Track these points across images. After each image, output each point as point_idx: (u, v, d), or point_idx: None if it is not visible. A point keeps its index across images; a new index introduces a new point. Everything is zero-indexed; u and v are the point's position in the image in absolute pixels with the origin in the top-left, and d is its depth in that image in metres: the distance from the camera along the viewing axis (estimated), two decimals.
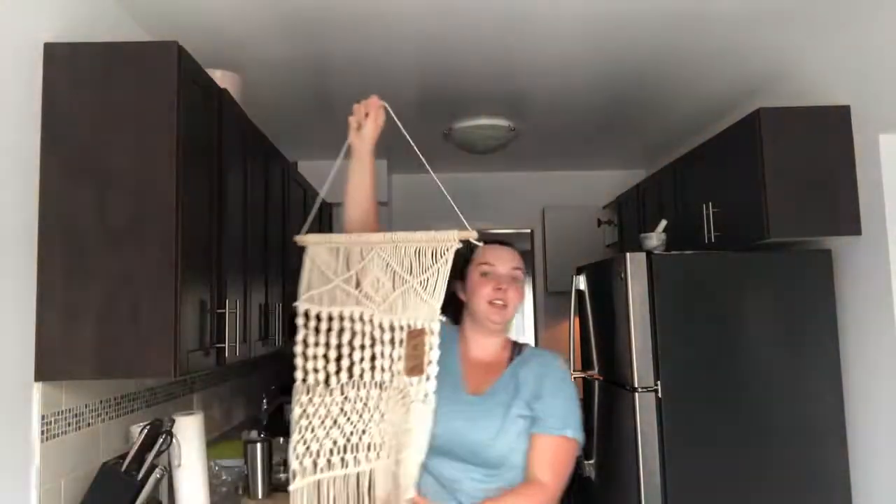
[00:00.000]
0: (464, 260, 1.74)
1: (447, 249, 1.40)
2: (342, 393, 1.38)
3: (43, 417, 1.73)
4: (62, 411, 1.83)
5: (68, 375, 1.74)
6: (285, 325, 3.04)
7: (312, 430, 1.36)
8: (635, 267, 2.77)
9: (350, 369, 1.38)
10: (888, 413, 2.50)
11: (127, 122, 1.77)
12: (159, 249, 1.74)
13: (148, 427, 1.91)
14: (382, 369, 1.38)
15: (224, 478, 2.49)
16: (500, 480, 1.53)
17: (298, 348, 1.41)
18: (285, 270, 3.08)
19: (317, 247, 1.49)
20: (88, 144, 1.76)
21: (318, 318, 1.42)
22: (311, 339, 1.40)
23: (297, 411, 1.38)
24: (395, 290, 1.40)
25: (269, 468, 2.43)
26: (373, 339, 1.40)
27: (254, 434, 2.50)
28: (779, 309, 2.73)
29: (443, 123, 3.74)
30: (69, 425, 1.86)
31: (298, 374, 1.40)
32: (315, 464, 1.35)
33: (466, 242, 1.43)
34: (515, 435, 1.55)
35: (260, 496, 2.38)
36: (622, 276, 2.79)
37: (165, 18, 2.34)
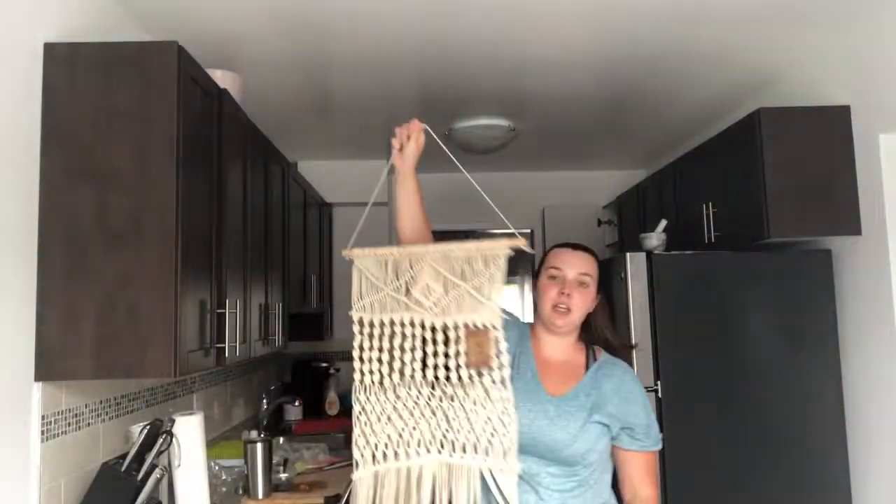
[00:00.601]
0: (539, 264, 1.80)
1: (498, 256, 1.44)
2: (395, 392, 1.48)
3: (43, 417, 1.73)
4: (62, 411, 1.83)
5: (68, 375, 1.74)
6: (285, 325, 3.04)
7: (370, 426, 1.48)
8: (635, 267, 2.77)
9: (401, 371, 1.47)
10: (888, 413, 2.50)
11: (127, 122, 1.77)
12: (159, 249, 1.74)
13: (148, 427, 1.91)
14: (435, 367, 1.45)
15: (224, 478, 2.49)
16: (576, 476, 1.61)
17: (355, 353, 1.52)
18: (285, 270, 3.08)
19: (364, 259, 1.57)
20: (88, 144, 1.76)
21: (371, 324, 1.51)
22: (366, 345, 1.51)
23: (356, 408, 1.50)
24: (448, 294, 1.46)
25: (269, 468, 2.43)
26: (424, 341, 1.47)
27: (254, 434, 2.49)
28: (779, 309, 2.73)
29: (443, 123, 3.74)
30: (69, 425, 1.86)
31: (356, 376, 1.51)
32: (374, 456, 1.47)
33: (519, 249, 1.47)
34: (594, 437, 1.61)
35: (260, 496, 2.38)
36: (622, 276, 2.79)
37: (165, 18, 2.34)
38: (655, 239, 3.11)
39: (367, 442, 1.47)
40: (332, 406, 4.09)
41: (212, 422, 3.09)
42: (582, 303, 1.69)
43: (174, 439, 1.97)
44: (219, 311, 2.09)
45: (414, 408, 1.46)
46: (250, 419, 3.63)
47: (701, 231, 3.12)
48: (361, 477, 1.47)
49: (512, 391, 1.43)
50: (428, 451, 1.45)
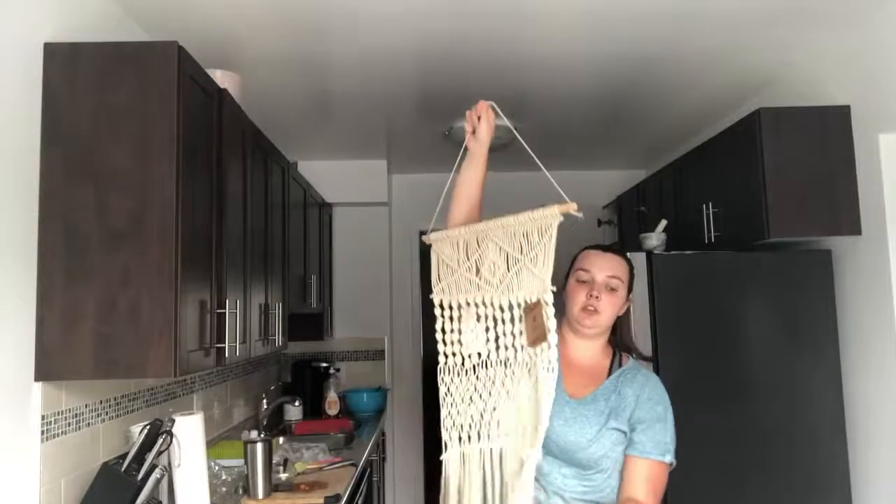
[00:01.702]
0: (570, 265, 1.79)
1: (550, 225, 1.44)
2: (475, 373, 1.50)
3: (43, 417, 1.73)
4: (62, 411, 1.83)
5: (68, 375, 1.74)
6: (285, 325, 3.04)
7: (455, 407, 1.51)
8: (635, 267, 2.76)
9: (479, 352, 1.49)
10: (888, 413, 2.50)
11: (127, 122, 1.77)
12: (159, 249, 1.74)
13: (148, 427, 1.91)
14: (506, 347, 1.45)
15: (224, 478, 2.49)
16: (588, 480, 1.58)
17: (438, 335, 1.55)
18: (285, 270, 3.08)
19: (440, 242, 1.60)
20: (88, 144, 1.76)
21: (451, 306, 1.54)
22: (448, 327, 1.54)
23: (442, 389, 1.53)
24: (510, 270, 1.45)
25: (269, 468, 2.42)
26: (494, 320, 1.47)
27: (254, 434, 2.49)
28: (779, 309, 2.73)
29: (443, 123, 3.74)
30: (69, 425, 1.86)
31: (441, 358, 1.54)
32: (460, 437, 1.50)
33: (569, 216, 1.46)
34: (610, 443, 1.58)
35: (260, 496, 2.38)
36: None
37: (165, 18, 2.34)
38: (655, 239, 3.11)
39: (454, 423, 1.50)
40: (332, 406, 4.09)
41: (212, 422, 3.09)
42: (611, 305, 1.66)
43: (174, 439, 1.97)
44: (219, 311, 2.09)
45: (492, 388, 1.47)
46: (250, 419, 3.63)
47: (701, 231, 3.12)
48: (450, 458, 1.50)
49: (555, 374, 1.40)
50: (507, 433, 1.46)
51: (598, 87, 3.21)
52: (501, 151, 4.12)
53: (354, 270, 4.68)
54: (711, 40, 2.68)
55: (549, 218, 1.43)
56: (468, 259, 1.53)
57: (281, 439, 3.12)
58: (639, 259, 2.77)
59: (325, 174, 4.42)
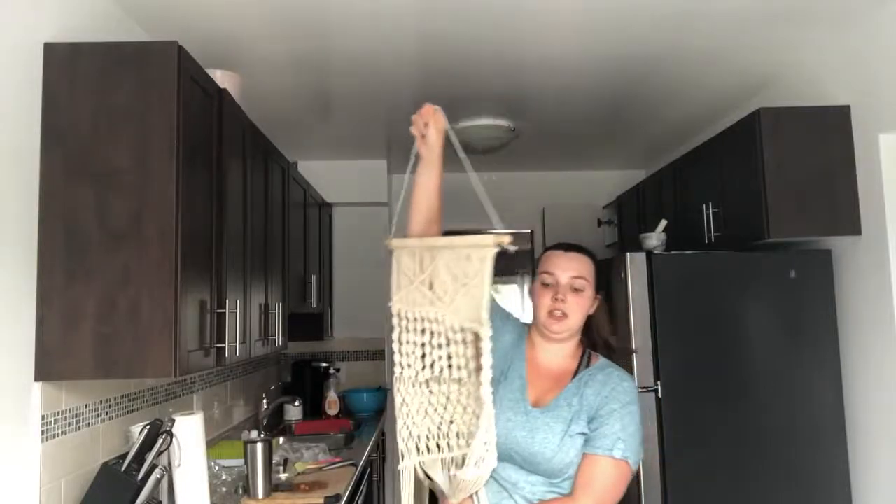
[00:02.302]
0: (534, 267, 1.74)
1: (485, 257, 1.40)
2: (428, 387, 1.48)
3: (43, 417, 1.73)
4: (62, 411, 1.83)
5: (68, 375, 1.74)
6: (285, 325, 3.04)
7: (412, 417, 1.48)
8: (635, 267, 2.77)
9: (432, 366, 1.46)
10: (888, 413, 2.50)
11: (127, 122, 1.77)
12: (159, 249, 1.74)
13: (148, 427, 1.91)
14: (458, 367, 1.43)
15: (224, 478, 2.49)
16: (558, 488, 1.53)
17: (395, 345, 1.51)
18: (285, 270, 3.08)
19: (400, 250, 1.57)
20: (88, 144, 1.76)
21: (407, 318, 1.51)
22: (404, 338, 1.50)
23: (398, 399, 1.50)
24: (457, 292, 1.43)
25: (269, 468, 2.42)
26: (447, 339, 1.45)
27: (254, 434, 2.49)
28: (779, 309, 2.73)
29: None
30: (69, 425, 1.86)
31: (396, 368, 1.51)
32: (417, 447, 1.48)
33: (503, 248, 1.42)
34: (575, 451, 1.52)
35: (260, 496, 2.38)
36: (622, 276, 2.79)
37: (165, 18, 2.34)
38: (655, 239, 3.11)
39: (411, 434, 1.48)
40: (332, 406, 4.09)
41: (212, 422, 3.09)
42: (578, 307, 1.61)
43: (174, 439, 1.97)
44: (219, 311, 2.09)
45: (447, 403, 1.46)
46: (250, 419, 3.63)
47: (701, 231, 3.12)
48: (406, 467, 1.48)
49: (490, 396, 1.36)
50: (468, 444, 1.44)
51: (598, 87, 3.21)
52: (499, 152, 4.13)
53: (354, 270, 4.67)
54: (711, 40, 2.68)
55: (485, 249, 1.40)
56: (423, 272, 1.49)
57: (281, 439, 3.12)
58: (639, 259, 2.77)
59: (325, 174, 4.42)
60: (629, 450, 1.51)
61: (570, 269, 1.63)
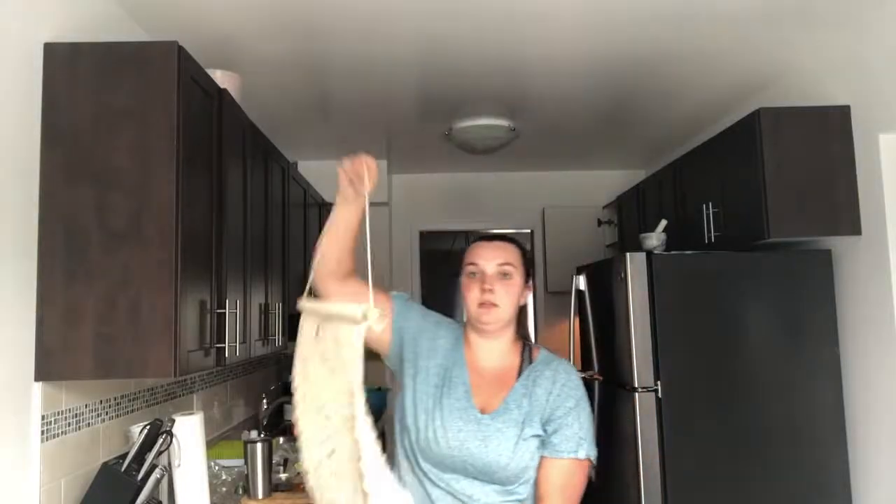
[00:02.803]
0: (460, 263, 1.66)
1: (351, 342, 1.30)
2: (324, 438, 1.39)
3: (43, 417, 1.73)
4: (62, 411, 1.83)
5: (68, 375, 1.74)
6: (285, 325, 3.04)
7: (309, 449, 1.42)
8: (635, 267, 2.77)
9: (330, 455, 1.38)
10: (888, 413, 2.50)
11: (127, 122, 1.77)
12: (159, 249, 1.74)
13: (148, 427, 1.91)
14: (346, 458, 1.32)
15: (224, 478, 2.49)
16: (514, 494, 1.49)
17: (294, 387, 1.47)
18: (285, 270, 3.08)
19: (306, 314, 1.50)
20: (88, 144, 1.76)
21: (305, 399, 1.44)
22: (299, 394, 1.45)
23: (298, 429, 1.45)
24: (339, 358, 1.34)
25: (269, 468, 2.42)
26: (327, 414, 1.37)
27: (254, 434, 2.49)
28: (779, 309, 2.73)
29: (443, 123, 3.74)
30: (69, 425, 1.86)
31: (301, 456, 1.45)
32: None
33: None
34: (530, 454, 1.48)
35: (260, 496, 2.38)
36: (622, 276, 2.79)
37: (165, 18, 2.34)
38: (655, 239, 3.11)
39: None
40: None
41: (212, 422, 3.09)
42: (507, 295, 1.56)
43: (174, 439, 1.97)
44: (219, 311, 2.09)
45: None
46: (250, 419, 3.63)
47: (701, 231, 3.12)
48: (310, 486, 1.43)
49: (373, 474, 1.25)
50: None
51: (599, 87, 3.21)
52: (498, 152, 4.14)
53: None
54: (711, 40, 2.68)
55: (350, 333, 1.29)
56: (317, 345, 1.42)
57: (281, 439, 3.11)
58: (639, 259, 2.77)
59: (325, 174, 4.41)
60: (591, 447, 1.50)
61: (495, 257, 1.58)
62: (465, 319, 1.66)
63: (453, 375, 1.56)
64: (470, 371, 1.58)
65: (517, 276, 1.59)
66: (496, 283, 1.56)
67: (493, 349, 1.60)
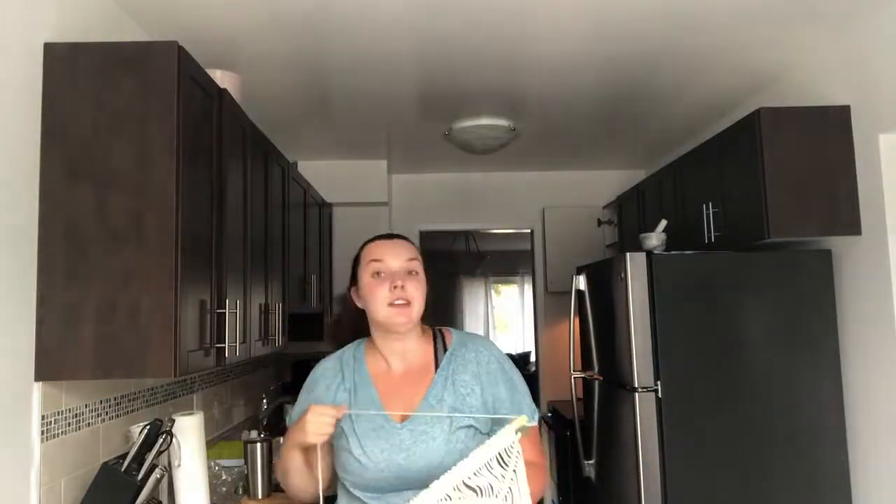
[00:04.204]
0: (353, 261, 1.58)
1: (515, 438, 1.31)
2: None
3: (43, 417, 1.73)
4: (62, 411, 1.83)
5: (68, 375, 1.74)
6: (285, 326, 3.04)
7: None
8: (635, 267, 2.77)
9: None
10: (888, 413, 2.50)
11: (127, 122, 1.77)
12: (159, 250, 1.74)
13: (148, 427, 1.91)
14: None
15: (224, 478, 2.49)
16: None
17: None
18: (285, 270, 3.08)
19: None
20: (88, 144, 1.76)
21: None
22: None
23: None
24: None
25: (269, 468, 2.42)
26: None
27: (254, 434, 2.49)
28: (779, 309, 2.73)
29: (443, 123, 3.74)
30: (69, 425, 1.86)
31: None
32: None
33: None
34: (463, 444, 1.40)
35: (260, 496, 2.38)
36: (622, 276, 2.79)
37: (165, 18, 2.34)
38: (655, 239, 3.11)
39: None
40: None
41: (212, 422, 3.09)
42: (419, 291, 1.49)
43: (174, 439, 1.97)
44: (219, 311, 2.09)
45: None
46: (250, 419, 3.63)
47: (701, 231, 3.13)
48: None
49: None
50: None
51: (599, 87, 3.21)
52: (498, 152, 4.14)
53: None
54: (712, 40, 2.69)
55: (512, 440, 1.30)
56: None
57: (281, 439, 3.11)
58: (639, 259, 2.77)
59: (325, 174, 4.43)
60: (535, 410, 1.51)
61: (401, 254, 1.51)
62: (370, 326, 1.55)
63: (359, 396, 1.49)
64: (377, 384, 1.50)
65: (422, 272, 1.53)
66: (406, 281, 1.48)
67: (405, 349, 1.53)
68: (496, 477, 1.26)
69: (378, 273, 1.49)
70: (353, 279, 1.57)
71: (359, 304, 1.55)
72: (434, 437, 1.40)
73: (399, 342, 1.52)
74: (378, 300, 1.48)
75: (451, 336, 1.57)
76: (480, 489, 1.25)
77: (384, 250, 1.52)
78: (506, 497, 1.26)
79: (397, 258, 1.50)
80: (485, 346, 1.54)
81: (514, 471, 1.28)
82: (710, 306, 2.74)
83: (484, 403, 1.46)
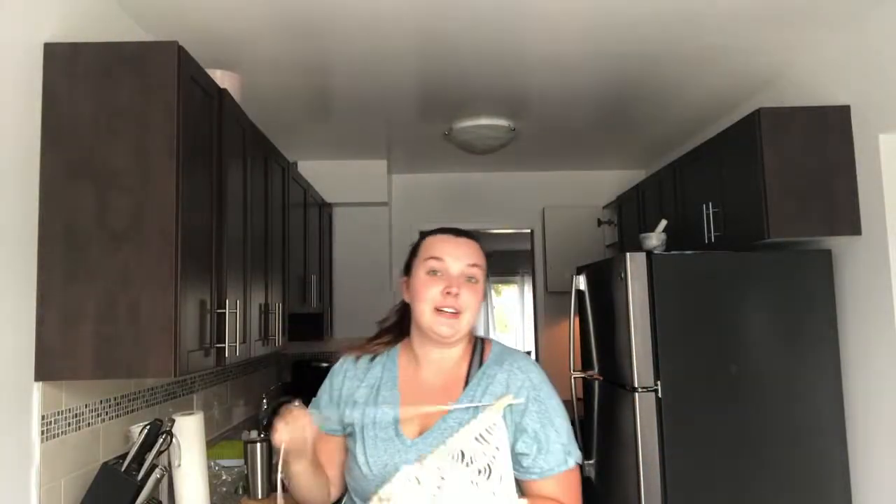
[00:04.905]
0: (411, 249, 1.44)
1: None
2: None
3: (43, 417, 1.73)
4: (62, 411, 1.83)
5: (68, 375, 1.74)
6: (285, 326, 3.04)
7: None
8: (635, 267, 2.77)
9: None
10: (888, 413, 2.50)
11: (127, 122, 1.77)
12: (159, 249, 1.74)
13: (148, 427, 1.91)
14: None
15: (224, 478, 2.49)
16: None
17: None
18: (285, 270, 3.08)
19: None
20: (88, 144, 1.76)
21: None
22: None
23: None
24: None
25: (269, 468, 2.42)
26: None
27: (254, 434, 2.49)
28: (779, 309, 2.73)
29: (443, 123, 3.74)
30: (69, 425, 1.86)
31: None
32: None
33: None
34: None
35: (260, 496, 2.38)
36: (622, 276, 2.79)
37: (165, 18, 2.34)
38: (655, 239, 3.11)
39: None
40: None
41: (212, 422, 3.09)
42: (474, 302, 1.34)
43: (174, 439, 1.97)
44: (219, 311, 2.09)
45: None
46: (250, 419, 3.63)
47: (701, 231, 3.12)
48: None
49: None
50: None
51: (599, 86, 3.21)
52: (498, 152, 4.13)
53: (354, 270, 4.68)
54: (711, 40, 2.68)
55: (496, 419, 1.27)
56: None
57: None
58: (639, 259, 2.77)
59: (325, 174, 4.43)
60: (574, 451, 1.31)
61: (463, 256, 1.35)
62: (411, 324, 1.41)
63: (380, 397, 1.37)
64: (403, 387, 1.37)
65: (483, 282, 1.38)
66: (463, 288, 1.33)
67: (443, 358, 1.38)
68: (477, 452, 1.23)
69: (434, 272, 1.34)
70: (408, 269, 1.41)
71: (406, 299, 1.41)
72: None
73: (439, 351, 1.38)
74: (426, 301, 1.33)
75: (492, 347, 1.41)
76: (463, 454, 1.22)
77: (447, 248, 1.36)
78: (481, 471, 1.21)
79: (459, 260, 1.35)
80: (521, 367, 1.35)
81: (497, 448, 1.23)
82: (710, 306, 2.74)
83: (506, 430, 1.28)
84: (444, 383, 1.36)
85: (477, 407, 1.30)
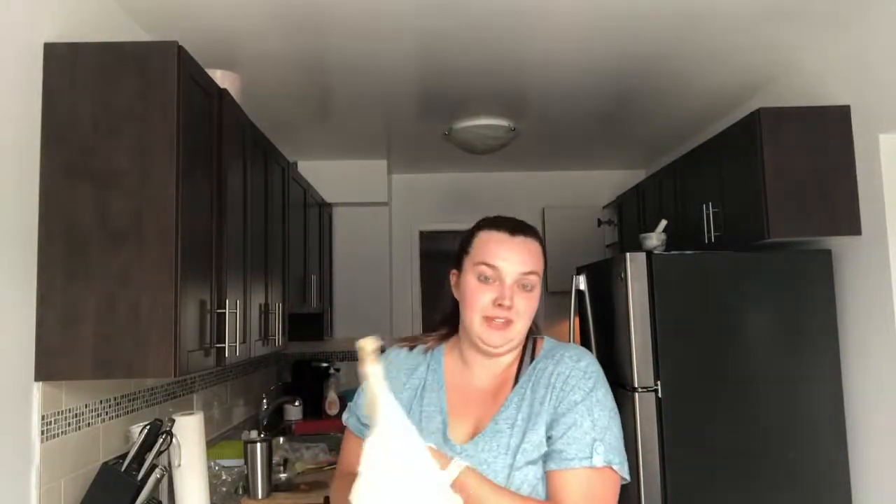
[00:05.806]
0: (462, 241, 1.31)
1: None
2: None
3: (43, 417, 1.73)
4: (62, 411, 1.82)
5: (68, 375, 1.74)
6: (285, 326, 3.04)
7: None
8: (635, 267, 2.77)
9: None
10: (888, 413, 2.50)
11: (127, 122, 1.77)
12: (159, 249, 1.74)
13: (148, 427, 1.91)
14: None
15: (224, 478, 2.49)
16: None
17: None
18: (285, 270, 3.08)
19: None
20: (88, 144, 1.76)
21: None
22: None
23: None
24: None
25: (269, 468, 2.42)
26: None
27: (254, 434, 2.49)
28: (779, 309, 2.73)
29: (443, 123, 3.74)
30: (69, 425, 1.86)
31: None
32: None
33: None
34: (530, 486, 1.17)
35: (260, 496, 2.38)
36: (622, 276, 2.79)
37: (165, 18, 2.34)
38: (655, 239, 3.11)
39: None
40: (332, 406, 4.09)
41: (212, 422, 3.09)
42: (527, 312, 1.23)
43: (174, 439, 1.97)
44: (219, 311, 2.09)
45: None
46: (250, 419, 3.63)
47: (701, 231, 3.12)
48: None
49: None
50: None
51: (599, 86, 3.21)
52: (498, 152, 4.13)
53: (354, 270, 4.68)
54: (711, 40, 2.68)
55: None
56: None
57: (281, 439, 3.11)
58: (639, 259, 2.77)
59: (325, 174, 4.43)
60: (611, 450, 1.16)
61: (520, 262, 1.22)
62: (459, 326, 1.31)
63: (425, 400, 1.27)
64: (450, 389, 1.27)
65: (539, 287, 1.25)
66: (516, 296, 1.21)
67: (492, 366, 1.28)
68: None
69: (486, 277, 1.22)
70: (458, 262, 1.29)
71: (455, 295, 1.30)
72: (495, 472, 1.17)
73: (486, 359, 1.27)
74: (475, 308, 1.22)
75: (544, 343, 1.30)
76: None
77: (502, 253, 1.22)
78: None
79: (515, 266, 1.21)
80: (572, 356, 1.25)
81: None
82: (710, 306, 2.74)
83: (546, 426, 1.18)
84: (493, 386, 1.27)
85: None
